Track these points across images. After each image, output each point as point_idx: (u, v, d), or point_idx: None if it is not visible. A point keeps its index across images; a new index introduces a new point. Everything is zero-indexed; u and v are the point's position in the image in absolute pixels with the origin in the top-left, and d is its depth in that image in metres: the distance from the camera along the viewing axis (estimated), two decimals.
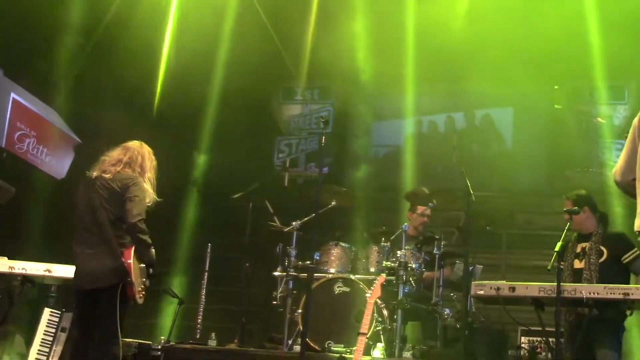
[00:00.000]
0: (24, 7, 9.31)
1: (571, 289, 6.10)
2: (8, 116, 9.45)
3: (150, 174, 6.45)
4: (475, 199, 7.86)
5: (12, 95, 9.57)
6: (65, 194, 10.66)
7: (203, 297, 8.39)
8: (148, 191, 6.32)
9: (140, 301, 6.15)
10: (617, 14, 9.73)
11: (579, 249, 6.79)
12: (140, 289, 6.15)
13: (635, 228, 4.63)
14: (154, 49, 10.07)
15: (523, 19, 10.38)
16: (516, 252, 10.97)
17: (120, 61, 10.02)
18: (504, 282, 6.45)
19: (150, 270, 6.28)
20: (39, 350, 7.40)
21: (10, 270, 7.41)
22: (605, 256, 6.68)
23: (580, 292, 6.08)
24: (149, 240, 6.11)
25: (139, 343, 7.33)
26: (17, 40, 9.63)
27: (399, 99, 12.45)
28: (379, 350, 7.18)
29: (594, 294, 6.05)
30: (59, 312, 7.53)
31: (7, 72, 9.57)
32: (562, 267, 6.45)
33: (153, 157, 6.54)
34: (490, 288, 6.36)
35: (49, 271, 7.44)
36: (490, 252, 10.61)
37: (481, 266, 8.44)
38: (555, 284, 6.01)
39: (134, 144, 6.48)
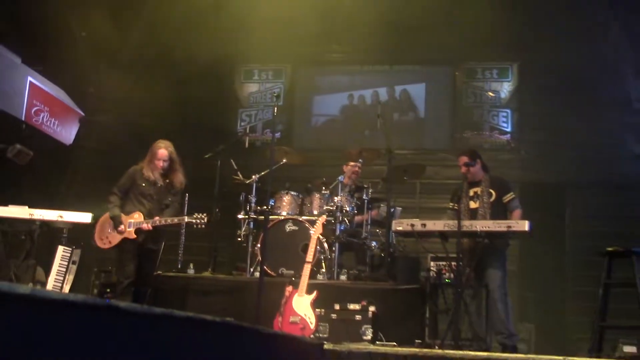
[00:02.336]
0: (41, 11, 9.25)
1: (468, 224, 6.25)
2: (26, 95, 9.48)
3: (146, 161, 6.92)
4: (395, 156, 7.94)
5: (29, 78, 9.59)
6: (72, 157, 10.56)
7: (182, 235, 8.39)
8: (128, 173, 6.94)
9: (102, 246, 6.85)
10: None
11: (472, 193, 6.88)
12: (102, 238, 6.81)
13: None
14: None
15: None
16: (427, 197, 11.10)
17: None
18: (417, 220, 6.56)
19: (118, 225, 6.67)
20: (55, 279, 7.46)
21: (30, 217, 7.55)
22: (494, 197, 6.80)
23: (475, 227, 6.22)
24: (109, 205, 6.76)
25: None
26: (32, 34, 9.57)
27: (334, 78, 12.51)
28: (321, 275, 7.29)
29: (486, 227, 6.19)
30: (70, 249, 7.61)
31: (25, 60, 9.60)
32: (460, 208, 6.61)
33: (153, 150, 6.93)
34: (407, 225, 6.47)
35: (61, 217, 7.59)
36: (407, 197, 10.76)
37: (400, 208, 8.55)
38: (455, 220, 6.16)
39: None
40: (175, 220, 6.86)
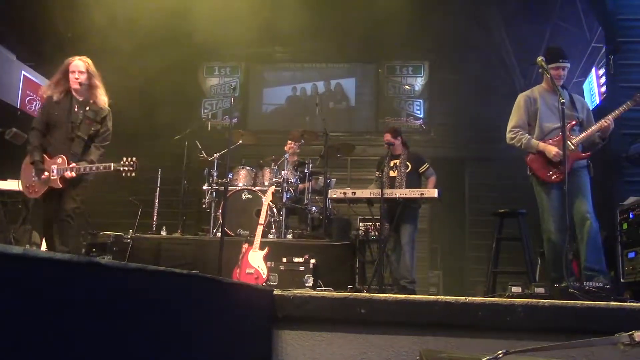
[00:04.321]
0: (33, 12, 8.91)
1: (389, 192, 6.28)
2: (20, 86, 9.31)
3: (54, 81, 5.19)
4: (330, 137, 7.94)
5: (23, 72, 9.42)
6: None
7: (156, 203, 8.26)
8: (42, 103, 5.24)
9: (30, 196, 5.14)
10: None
11: (392, 164, 6.92)
12: (28, 186, 5.11)
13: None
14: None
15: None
16: (356, 170, 11.19)
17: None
18: (348, 189, 6.59)
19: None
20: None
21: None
22: (410, 168, 6.86)
23: (395, 194, 6.27)
24: (28, 147, 5.16)
25: (115, 235, 7.19)
26: (26, 35, 9.27)
27: (281, 73, 12.44)
28: (271, 234, 7.28)
29: (403, 194, 6.25)
30: None
31: (19, 57, 9.48)
32: (382, 176, 6.66)
33: (64, 64, 5.14)
34: (340, 193, 6.48)
35: None
36: (340, 171, 10.82)
37: (335, 180, 8.56)
38: (379, 189, 6.20)
39: None
40: (101, 168, 5.01)
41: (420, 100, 11.78)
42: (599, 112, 6.34)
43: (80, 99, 5.15)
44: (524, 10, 10.03)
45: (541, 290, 4.19)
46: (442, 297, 2.83)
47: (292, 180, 7.68)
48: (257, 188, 7.60)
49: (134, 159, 5.04)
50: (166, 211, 8.80)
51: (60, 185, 4.98)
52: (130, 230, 7.44)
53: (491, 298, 3.37)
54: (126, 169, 5.02)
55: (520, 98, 5.33)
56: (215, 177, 7.86)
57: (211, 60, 12.37)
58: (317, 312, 2.86)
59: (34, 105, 9.39)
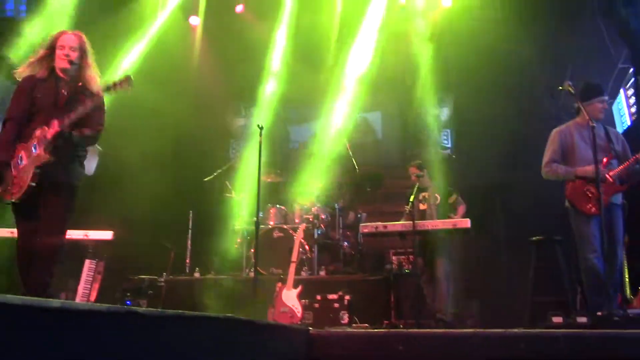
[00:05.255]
0: None
1: (421, 224, 6.24)
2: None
3: (39, 56, 4.24)
4: (359, 171, 7.96)
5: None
6: (93, 185, 10.37)
7: (189, 244, 8.31)
8: (18, 86, 4.25)
9: (5, 199, 4.05)
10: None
11: (421, 197, 6.90)
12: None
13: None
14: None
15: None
16: (386, 203, 11.11)
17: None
18: (380, 223, 6.56)
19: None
20: (84, 287, 7.31)
21: None
22: (439, 200, 6.84)
23: (426, 226, 6.23)
24: None
25: (149, 278, 7.25)
26: None
27: (306, 109, 12.56)
28: (304, 271, 7.24)
29: (435, 226, 6.21)
30: (95, 261, 7.44)
31: None
32: (413, 210, 6.63)
33: (53, 37, 4.24)
34: (372, 227, 6.46)
35: (87, 235, 7.38)
36: (370, 204, 10.77)
37: (365, 214, 8.54)
38: (411, 222, 6.16)
39: None
40: (90, 104, 4.00)
41: (448, 130, 11.75)
42: (630, 133, 6.26)
43: (68, 80, 4.16)
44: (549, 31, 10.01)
45: (583, 319, 4.10)
46: (481, 329, 2.78)
47: (323, 217, 7.69)
48: (288, 226, 7.62)
49: (125, 77, 4.04)
50: (199, 252, 8.84)
51: (47, 157, 3.93)
52: (164, 273, 7.48)
53: (532, 329, 3.30)
54: (119, 83, 4.03)
55: (555, 133, 5.40)
56: (244, 216, 7.91)
57: (238, 100, 12.54)
58: (354, 350, 2.83)
59: None
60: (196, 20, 10.18)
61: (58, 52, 4.13)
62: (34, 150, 3.97)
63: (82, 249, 7.87)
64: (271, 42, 10.22)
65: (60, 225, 4.07)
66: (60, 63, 4.12)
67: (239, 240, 7.84)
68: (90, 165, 10.26)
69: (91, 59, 4.23)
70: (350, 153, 8.17)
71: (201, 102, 10.99)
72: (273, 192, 8.95)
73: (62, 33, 4.22)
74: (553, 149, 5.32)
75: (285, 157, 12.23)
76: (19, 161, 4.01)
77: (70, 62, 4.12)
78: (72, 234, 7.41)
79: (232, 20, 10.37)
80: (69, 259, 7.51)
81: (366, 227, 6.55)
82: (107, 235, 7.64)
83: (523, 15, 9.45)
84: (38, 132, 3.99)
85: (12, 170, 4.00)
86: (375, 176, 8.90)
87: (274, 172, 8.61)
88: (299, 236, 6.78)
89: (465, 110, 11.67)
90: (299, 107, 12.64)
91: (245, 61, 10.32)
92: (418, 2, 9.77)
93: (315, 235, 7.49)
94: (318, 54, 10.62)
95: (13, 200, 3.98)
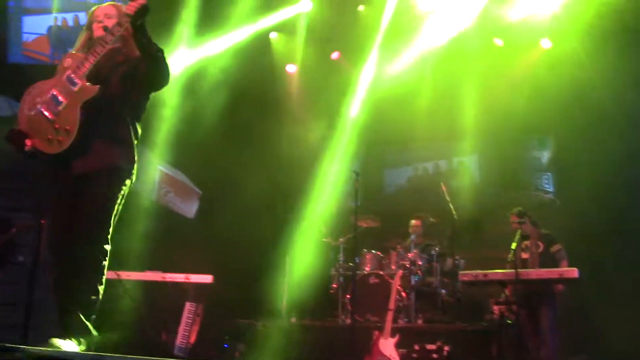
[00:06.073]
0: None
1: (524, 273, 6.03)
2: (157, 180, 9.81)
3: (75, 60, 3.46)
4: (456, 216, 7.82)
5: (159, 167, 9.93)
6: (194, 228, 10.72)
7: (286, 290, 8.39)
8: None
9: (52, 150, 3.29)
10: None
11: (523, 245, 6.71)
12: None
13: None
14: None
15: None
16: (485, 249, 10.80)
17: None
18: (479, 271, 6.40)
19: None
20: (184, 329, 7.49)
21: (163, 279, 7.58)
22: (541, 249, 6.63)
23: (531, 275, 6.01)
24: None
25: (247, 322, 7.36)
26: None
27: (401, 153, 12.52)
28: (401, 320, 7.14)
29: (540, 275, 5.98)
30: (195, 304, 7.62)
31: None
32: (515, 259, 6.41)
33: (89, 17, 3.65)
34: (471, 275, 6.31)
35: (188, 278, 7.57)
36: (468, 250, 10.50)
37: (463, 260, 8.34)
38: (512, 270, 5.96)
39: None
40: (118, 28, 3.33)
41: (549, 173, 11.34)
42: None
43: (110, 63, 3.52)
44: None
45: None
46: None
47: (420, 263, 7.58)
48: (384, 272, 7.55)
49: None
50: (295, 297, 8.90)
51: (94, 89, 3.28)
52: (261, 318, 7.57)
53: None
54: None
55: None
56: (341, 262, 7.92)
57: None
58: None
59: (168, 196, 9.96)
60: (293, 68, 10.47)
61: (94, 26, 3.60)
62: (71, 85, 3.31)
63: (183, 292, 8.13)
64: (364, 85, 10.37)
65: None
66: (96, 32, 3.52)
67: (334, 285, 7.83)
68: (191, 208, 10.67)
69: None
70: (447, 197, 8.02)
71: (301, 149, 11.15)
72: (369, 237, 8.94)
73: (97, 6, 3.73)
74: None
75: (380, 201, 12.21)
76: (54, 101, 3.30)
77: (105, 30, 3.42)
78: (174, 277, 7.68)
79: (328, 66, 10.59)
80: (170, 300, 7.78)
81: (465, 274, 6.40)
82: (207, 279, 7.85)
83: (633, 57, 9.08)
84: (68, 60, 3.43)
85: (46, 114, 3.28)
86: (474, 221, 8.68)
87: (369, 216, 8.59)
88: (395, 283, 6.72)
89: (568, 153, 11.24)
90: (396, 150, 12.62)
91: (338, 104, 10.48)
92: (516, 44, 9.59)
93: (412, 282, 7.38)
94: (412, 97, 10.62)
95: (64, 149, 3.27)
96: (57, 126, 3.24)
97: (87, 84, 3.30)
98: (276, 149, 10.81)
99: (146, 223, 8.17)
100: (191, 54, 8.88)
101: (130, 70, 3.49)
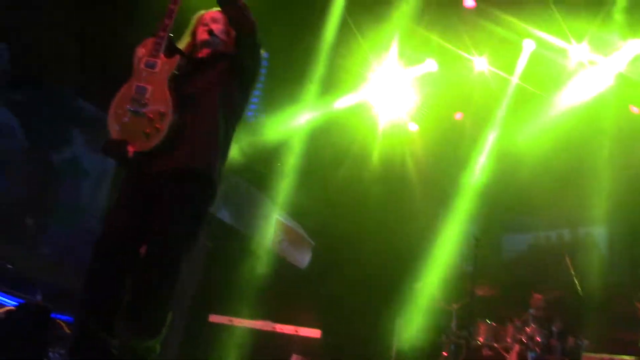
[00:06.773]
0: None
1: None
2: (274, 229, 9.95)
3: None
4: (581, 292, 7.39)
5: (276, 216, 10.12)
6: (306, 279, 10.76)
7: (394, 354, 8.20)
8: None
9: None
10: None
11: None
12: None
13: None
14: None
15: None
16: (612, 329, 10.04)
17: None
18: (605, 354, 5.94)
19: None
20: None
21: (272, 329, 7.62)
22: None
23: None
24: None
25: None
26: None
27: (522, 218, 12.07)
28: None
29: None
30: (302, 357, 7.55)
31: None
32: None
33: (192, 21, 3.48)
34: (596, 358, 5.88)
35: (297, 331, 7.59)
36: (593, 329, 9.79)
37: (587, 341, 7.80)
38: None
39: None
40: None
41: None
42: None
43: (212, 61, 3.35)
44: None
45: None
46: None
47: (538, 339, 7.15)
48: (499, 345, 7.20)
49: None
50: None
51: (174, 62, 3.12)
52: None
53: None
54: None
55: None
56: (453, 329, 7.65)
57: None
58: None
59: (283, 245, 10.12)
60: (414, 127, 10.46)
61: (199, 30, 3.46)
62: (151, 68, 3.12)
63: (289, 343, 8.15)
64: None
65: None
66: (201, 36, 3.42)
67: (445, 354, 7.54)
68: (304, 258, 10.78)
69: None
70: (572, 271, 7.57)
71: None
72: (483, 305, 8.60)
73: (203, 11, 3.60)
74: None
75: (497, 267, 11.74)
76: (139, 93, 3.07)
77: (210, 34, 3.41)
78: (284, 328, 7.72)
79: (450, 126, 10.50)
80: (278, 351, 7.80)
81: (589, 357, 5.93)
82: (315, 333, 7.82)
83: None
84: (142, 50, 3.20)
85: (137, 110, 3.05)
86: (600, 299, 8.10)
87: (486, 283, 8.27)
88: (511, 358, 6.36)
89: None
90: (516, 215, 12.16)
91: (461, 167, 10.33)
92: None
93: (529, 359, 6.95)
94: (537, 160, 10.26)
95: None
96: (150, 116, 2.99)
97: (165, 59, 3.11)
98: (398, 212, 10.75)
99: (260, 269, 8.33)
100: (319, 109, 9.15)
101: (228, 65, 3.30)
